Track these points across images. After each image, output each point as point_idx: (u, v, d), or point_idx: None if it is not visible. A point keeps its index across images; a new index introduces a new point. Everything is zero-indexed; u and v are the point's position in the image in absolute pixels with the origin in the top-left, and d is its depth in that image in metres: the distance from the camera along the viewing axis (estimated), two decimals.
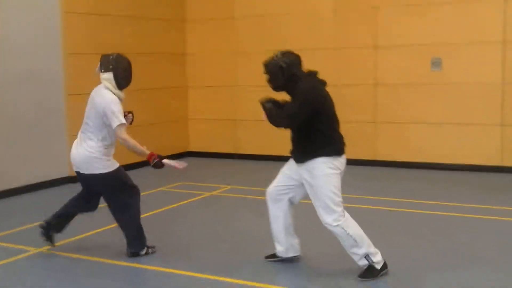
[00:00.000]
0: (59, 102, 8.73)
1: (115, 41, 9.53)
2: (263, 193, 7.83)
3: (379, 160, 9.53)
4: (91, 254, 5.49)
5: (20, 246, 5.75)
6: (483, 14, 8.67)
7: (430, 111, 9.12)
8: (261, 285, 4.62)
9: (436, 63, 8.97)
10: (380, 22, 9.31)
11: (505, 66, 8.57)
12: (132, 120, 5.44)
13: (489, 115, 8.74)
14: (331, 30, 9.65)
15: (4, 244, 5.84)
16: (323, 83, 4.65)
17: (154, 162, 5.18)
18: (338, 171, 4.56)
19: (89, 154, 5.17)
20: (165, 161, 5.22)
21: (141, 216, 5.49)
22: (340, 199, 4.53)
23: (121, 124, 5.06)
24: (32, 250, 5.64)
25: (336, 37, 9.62)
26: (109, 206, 5.37)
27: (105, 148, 5.22)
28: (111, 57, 5.22)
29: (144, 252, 5.32)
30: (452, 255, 5.24)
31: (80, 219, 6.71)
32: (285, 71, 4.51)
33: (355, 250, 4.54)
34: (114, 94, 5.18)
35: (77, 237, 6.03)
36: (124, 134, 5.08)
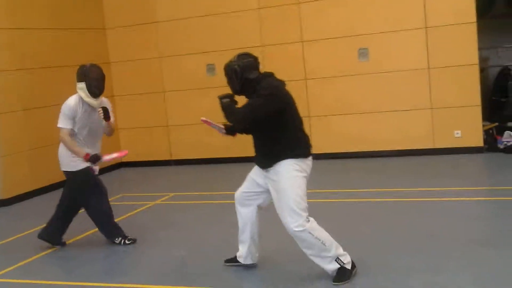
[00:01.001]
0: None
1: (37, 55, 9.18)
2: (207, 197, 7.84)
3: (316, 153, 9.61)
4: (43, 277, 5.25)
5: None
6: (404, 2, 8.92)
7: (362, 100, 9.30)
8: None
9: (363, 54, 9.16)
10: (304, 16, 9.40)
11: (428, 51, 8.86)
12: (108, 116, 5.66)
13: (418, 100, 9.01)
14: (256, 28, 9.66)
15: None
16: (283, 83, 4.56)
17: (89, 157, 5.67)
18: (305, 174, 4.47)
19: (59, 152, 5.91)
20: (104, 156, 5.76)
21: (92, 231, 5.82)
22: (305, 204, 4.40)
23: (61, 128, 5.65)
24: None
25: (262, 35, 9.65)
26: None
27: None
28: (84, 67, 5.64)
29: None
30: (412, 238, 5.36)
31: (28, 241, 6.48)
32: (238, 74, 4.39)
33: (325, 253, 4.40)
34: (86, 101, 5.63)
35: (26, 261, 5.76)
36: (62, 135, 5.65)
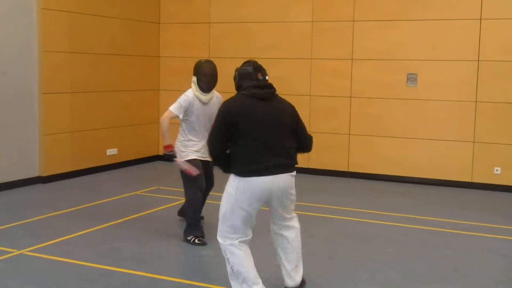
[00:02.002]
0: (33, 101, 8.54)
1: (90, 41, 9.40)
2: None
3: (353, 172, 9.65)
4: (79, 257, 5.38)
5: (1, 248, 5.59)
6: (459, 32, 8.89)
7: (405, 125, 9.28)
8: None
9: (412, 79, 9.15)
10: (357, 34, 9.44)
11: (478, 84, 8.81)
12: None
13: (461, 132, 8.95)
14: (308, 41, 9.73)
15: None
16: (263, 98, 4.26)
17: (165, 153, 5.91)
18: (243, 194, 4.18)
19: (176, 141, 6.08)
20: (178, 160, 5.83)
21: (118, 221, 6.22)
22: (231, 223, 4.23)
23: (169, 110, 5.91)
24: (15, 252, 5.49)
25: (312, 48, 9.71)
26: None
27: (183, 141, 6.02)
28: (198, 62, 5.94)
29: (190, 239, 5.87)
30: (434, 268, 5.35)
31: (63, 220, 6.65)
32: (235, 80, 4.42)
33: (231, 278, 4.32)
34: (195, 95, 5.91)
35: (58, 239, 5.90)
36: (164, 116, 5.89)
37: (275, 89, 4.37)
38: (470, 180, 8.97)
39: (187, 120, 5.96)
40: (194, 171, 5.79)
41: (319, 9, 9.67)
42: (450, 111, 9.01)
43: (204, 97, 5.93)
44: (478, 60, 8.79)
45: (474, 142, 8.91)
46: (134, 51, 10.35)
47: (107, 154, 9.85)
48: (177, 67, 10.77)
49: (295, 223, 4.58)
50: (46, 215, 6.85)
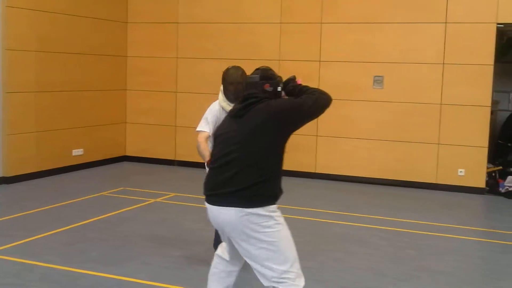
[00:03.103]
0: None
1: (56, 39, 9.27)
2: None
3: (320, 173, 9.71)
4: (44, 259, 5.30)
5: None
6: (425, 35, 9.02)
7: (371, 127, 9.38)
8: None
9: (378, 81, 9.25)
10: (325, 36, 9.50)
11: (443, 87, 8.95)
12: None
13: (427, 134, 9.08)
14: (276, 42, 9.77)
15: None
16: (232, 115, 3.70)
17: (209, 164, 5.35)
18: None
19: None
20: None
21: (84, 222, 6.03)
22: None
23: (198, 132, 5.14)
24: None
25: (281, 50, 9.75)
26: None
27: None
28: (225, 69, 5.25)
29: None
30: (401, 267, 5.42)
31: (29, 221, 6.53)
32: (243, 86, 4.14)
33: None
34: (221, 105, 5.19)
35: (23, 241, 5.81)
36: (199, 138, 5.09)
37: (257, 98, 3.61)
38: (435, 181, 9.10)
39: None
40: None
41: (287, 11, 9.71)
42: (416, 113, 9.14)
43: (231, 108, 5.46)
44: (443, 63, 8.93)
45: (439, 144, 9.04)
46: (101, 51, 10.24)
47: (73, 154, 9.73)
48: (144, 67, 10.71)
49: None
50: (11, 216, 6.73)
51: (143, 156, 10.84)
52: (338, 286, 4.92)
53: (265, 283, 3.50)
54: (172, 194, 8.24)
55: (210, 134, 5.10)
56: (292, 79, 3.88)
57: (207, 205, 3.58)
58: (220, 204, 3.45)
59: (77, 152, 9.80)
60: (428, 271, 5.38)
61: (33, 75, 8.85)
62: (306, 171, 9.75)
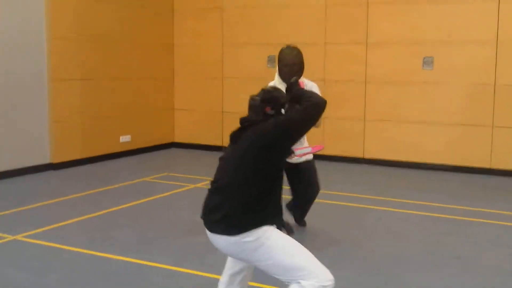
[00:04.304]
0: (43, 88, 8.51)
1: (100, 27, 9.34)
2: None
3: (367, 158, 9.43)
4: (71, 243, 5.31)
5: None
6: (477, 13, 8.55)
7: (421, 110, 9.00)
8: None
9: (428, 62, 8.86)
10: (371, 18, 9.17)
11: (497, 67, 8.47)
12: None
13: (479, 116, 8.64)
14: (322, 25, 9.51)
15: None
16: (231, 136, 3.51)
17: None
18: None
19: None
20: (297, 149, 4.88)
21: (118, 207, 5.96)
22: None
23: None
24: (8, 237, 5.46)
25: (326, 33, 9.48)
26: None
27: None
28: (280, 50, 5.15)
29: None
30: (437, 255, 5.13)
31: (64, 207, 6.61)
32: None
33: None
34: (277, 85, 4.99)
35: (54, 226, 5.86)
36: None
37: (251, 122, 3.44)
38: (489, 166, 8.65)
39: None
40: (316, 147, 4.90)
41: None
42: (468, 95, 8.69)
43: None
44: (497, 42, 8.44)
45: (493, 126, 8.58)
46: (147, 39, 10.26)
47: (120, 141, 9.82)
48: (191, 54, 10.68)
49: (297, 285, 3.26)
50: (49, 202, 6.82)
51: (192, 142, 10.84)
52: (360, 272, 4.70)
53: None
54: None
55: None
56: (294, 83, 3.71)
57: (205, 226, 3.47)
58: (211, 230, 3.37)
59: (124, 138, 9.87)
60: (462, 259, 5.07)
61: (79, 63, 8.95)
62: (354, 156, 9.47)
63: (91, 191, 7.37)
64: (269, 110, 3.43)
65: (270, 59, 9.81)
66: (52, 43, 8.49)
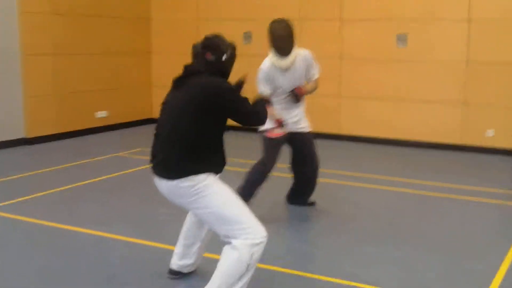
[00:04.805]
0: (15, 63, 8.49)
1: (77, 1, 9.29)
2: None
3: (344, 135, 9.47)
4: (33, 216, 5.36)
5: None
6: None
7: (395, 87, 9.04)
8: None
9: (402, 40, 8.87)
10: None
11: (469, 44, 8.50)
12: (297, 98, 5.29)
13: (452, 94, 8.69)
14: (296, 1, 9.49)
15: None
16: (175, 81, 3.63)
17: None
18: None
19: None
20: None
21: (87, 181, 6.15)
22: None
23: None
24: None
25: (301, 8, 9.47)
26: None
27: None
28: (270, 24, 5.17)
29: None
30: (396, 231, 5.21)
31: (33, 181, 6.64)
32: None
33: None
34: (273, 63, 5.16)
35: (20, 199, 5.90)
36: None
37: (200, 69, 3.57)
38: (460, 143, 8.72)
39: (277, 92, 5.24)
40: (271, 132, 5.12)
41: None
42: (442, 72, 8.73)
43: (283, 62, 5.11)
44: (469, 19, 8.46)
45: (465, 103, 8.63)
46: (124, 13, 10.21)
47: (97, 116, 9.82)
48: (168, 29, 10.65)
49: (231, 250, 3.37)
50: (18, 176, 6.85)
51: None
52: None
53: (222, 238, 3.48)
54: None
55: (268, 92, 5.13)
56: (242, 82, 3.77)
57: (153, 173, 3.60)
58: (155, 173, 3.53)
59: (101, 114, 9.87)
60: (425, 237, 5.15)
61: (51, 38, 8.91)
62: (330, 132, 9.50)
63: (62, 166, 7.40)
64: (209, 56, 3.52)
65: (246, 36, 9.80)
66: (23, 17, 8.45)
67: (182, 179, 3.37)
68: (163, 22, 10.70)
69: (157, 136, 3.54)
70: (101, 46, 9.83)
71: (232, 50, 3.60)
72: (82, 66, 9.48)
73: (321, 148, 8.75)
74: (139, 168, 7.37)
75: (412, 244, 4.85)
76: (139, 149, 8.54)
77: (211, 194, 3.39)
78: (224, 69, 3.59)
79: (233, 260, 3.31)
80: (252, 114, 3.58)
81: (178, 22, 10.57)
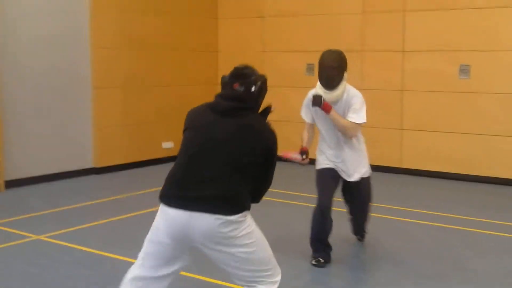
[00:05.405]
0: (86, 94, 8.96)
1: (143, 35, 9.70)
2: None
3: (405, 168, 9.35)
4: (85, 244, 5.63)
5: (22, 232, 5.96)
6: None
7: (458, 119, 8.86)
8: None
9: (464, 71, 8.72)
10: (408, 25, 9.13)
11: None
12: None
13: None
14: (358, 32, 9.54)
15: (8, 229, 6.06)
16: (219, 110, 3.32)
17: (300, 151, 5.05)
18: (155, 231, 3.27)
19: None
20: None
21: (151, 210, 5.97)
22: (140, 262, 3.33)
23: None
24: (32, 237, 5.84)
25: (364, 40, 9.50)
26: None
27: (319, 148, 5.29)
28: (321, 53, 5.05)
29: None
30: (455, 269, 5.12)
31: (96, 209, 6.95)
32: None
33: None
34: (317, 91, 5.02)
35: (81, 227, 6.20)
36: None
37: (251, 105, 3.38)
38: None
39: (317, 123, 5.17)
40: (293, 157, 4.97)
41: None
42: (505, 105, 8.50)
43: (329, 95, 4.91)
44: None
45: None
46: (191, 45, 10.57)
47: (163, 147, 10.14)
48: (234, 60, 10.90)
49: None
50: (82, 204, 7.19)
51: None
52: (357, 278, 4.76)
53: (242, 284, 3.35)
54: None
55: (306, 120, 5.19)
56: (268, 111, 3.56)
57: (168, 207, 3.23)
58: (192, 208, 3.16)
59: (166, 145, 10.19)
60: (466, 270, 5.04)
61: (120, 71, 9.34)
62: (390, 165, 9.39)
63: (126, 195, 7.71)
64: (237, 87, 3.36)
65: (309, 67, 9.92)
66: (95, 51, 8.93)
67: (240, 215, 3.15)
68: (230, 54, 10.99)
69: (197, 167, 3.20)
70: (170, 78, 10.21)
71: (262, 82, 3.42)
72: (150, 98, 9.85)
73: (381, 183, 8.75)
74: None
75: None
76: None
77: (256, 233, 3.26)
78: (254, 102, 3.39)
79: None
80: (271, 181, 3.41)
81: (244, 54, 10.80)
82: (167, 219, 3.18)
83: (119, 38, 9.31)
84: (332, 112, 4.90)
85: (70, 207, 7.07)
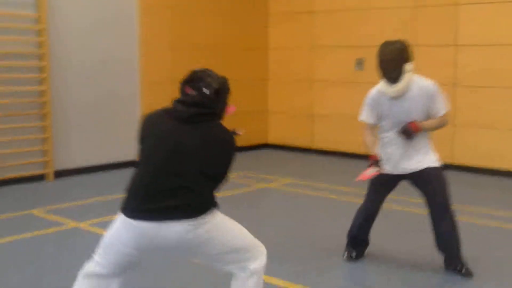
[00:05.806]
0: (135, 90, 9.12)
1: (192, 34, 9.79)
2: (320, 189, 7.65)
3: (455, 164, 9.09)
4: None
5: (61, 219, 6.12)
6: None
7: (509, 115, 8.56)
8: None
9: None
10: (462, 19, 8.85)
11: None
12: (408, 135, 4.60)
13: None
14: (410, 27, 9.31)
15: (47, 216, 6.24)
16: (178, 117, 3.23)
17: (371, 160, 4.65)
18: (116, 240, 3.17)
19: None
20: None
21: None
22: (98, 259, 3.26)
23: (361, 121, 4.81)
24: (69, 224, 5.97)
25: (415, 34, 9.28)
26: None
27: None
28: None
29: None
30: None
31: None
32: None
33: None
34: (379, 90, 4.67)
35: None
36: (363, 129, 4.81)
37: (210, 110, 3.27)
38: None
39: (381, 125, 4.73)
40: (373, 173, 4.56)
41: None
42: None
43: (391, 89, 4.53)
44: None
45: None
46: (242, 43, 10.61)
47: None
48: (283, 57, 10.89)
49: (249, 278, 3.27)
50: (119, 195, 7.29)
51: (283, 144, 11.05)
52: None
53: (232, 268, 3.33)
54: (287, 180, 8.31)
55: (369, 122, 4.71)
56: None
57: (132, 219, 3.15)
58: (163, 219, 3.11)
59: None
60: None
61: (170, 67, 9.48)
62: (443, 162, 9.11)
63: None
64: (189, 91, 3.26)
65: (359, 62, 9.77)
66: (144, 49, 9.10)
67: (209, 215, 3.17)
68: (279, 51, 10.96)
69: (160, 175, 3.14)
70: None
71: (220, 83, 3.32)
72: None
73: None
74: (231, 193, 7.56)
75: None
76: (241, 173, 8.76)
77: (224, 224, 3.27)
78: (212, 105, 3.28)
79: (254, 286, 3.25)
80: (229, 177, 3.36)
81: (293, 50, 10.77)
82: (133, 231, 3.09)
83: (170, 39, 9.45)
84: (423, 126, 4.57)
85: (114, 196, 7.18)
